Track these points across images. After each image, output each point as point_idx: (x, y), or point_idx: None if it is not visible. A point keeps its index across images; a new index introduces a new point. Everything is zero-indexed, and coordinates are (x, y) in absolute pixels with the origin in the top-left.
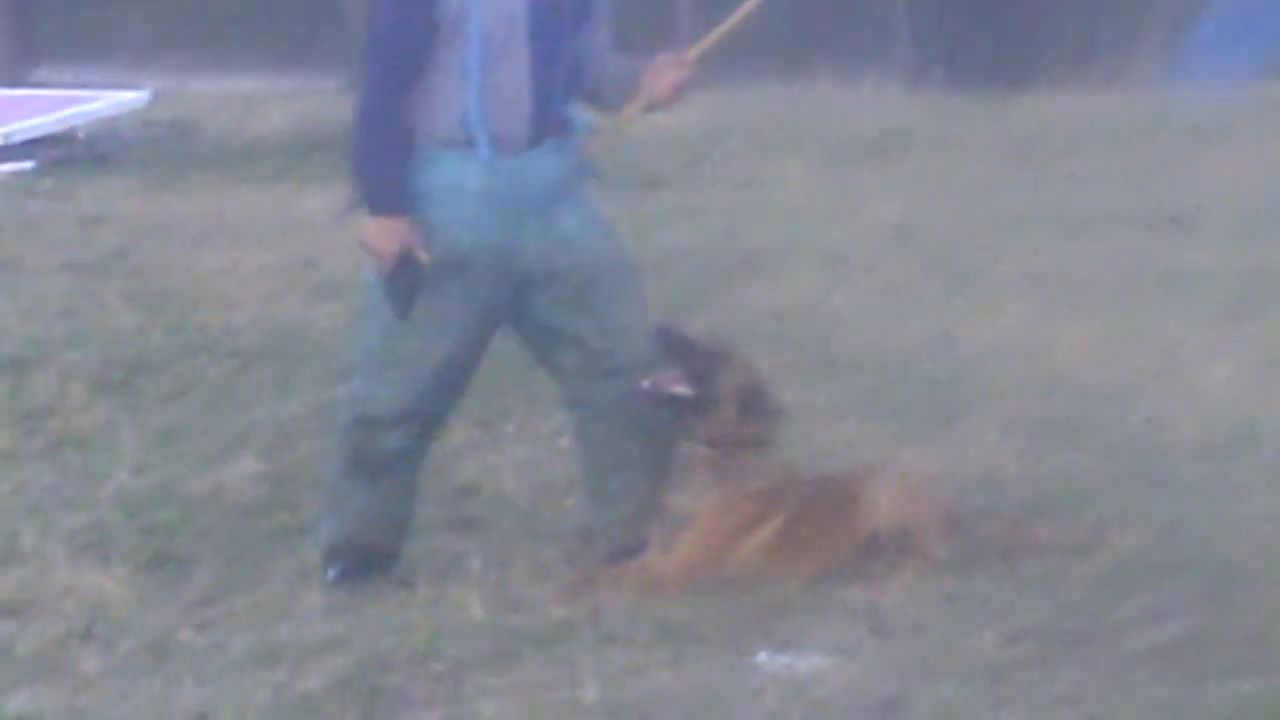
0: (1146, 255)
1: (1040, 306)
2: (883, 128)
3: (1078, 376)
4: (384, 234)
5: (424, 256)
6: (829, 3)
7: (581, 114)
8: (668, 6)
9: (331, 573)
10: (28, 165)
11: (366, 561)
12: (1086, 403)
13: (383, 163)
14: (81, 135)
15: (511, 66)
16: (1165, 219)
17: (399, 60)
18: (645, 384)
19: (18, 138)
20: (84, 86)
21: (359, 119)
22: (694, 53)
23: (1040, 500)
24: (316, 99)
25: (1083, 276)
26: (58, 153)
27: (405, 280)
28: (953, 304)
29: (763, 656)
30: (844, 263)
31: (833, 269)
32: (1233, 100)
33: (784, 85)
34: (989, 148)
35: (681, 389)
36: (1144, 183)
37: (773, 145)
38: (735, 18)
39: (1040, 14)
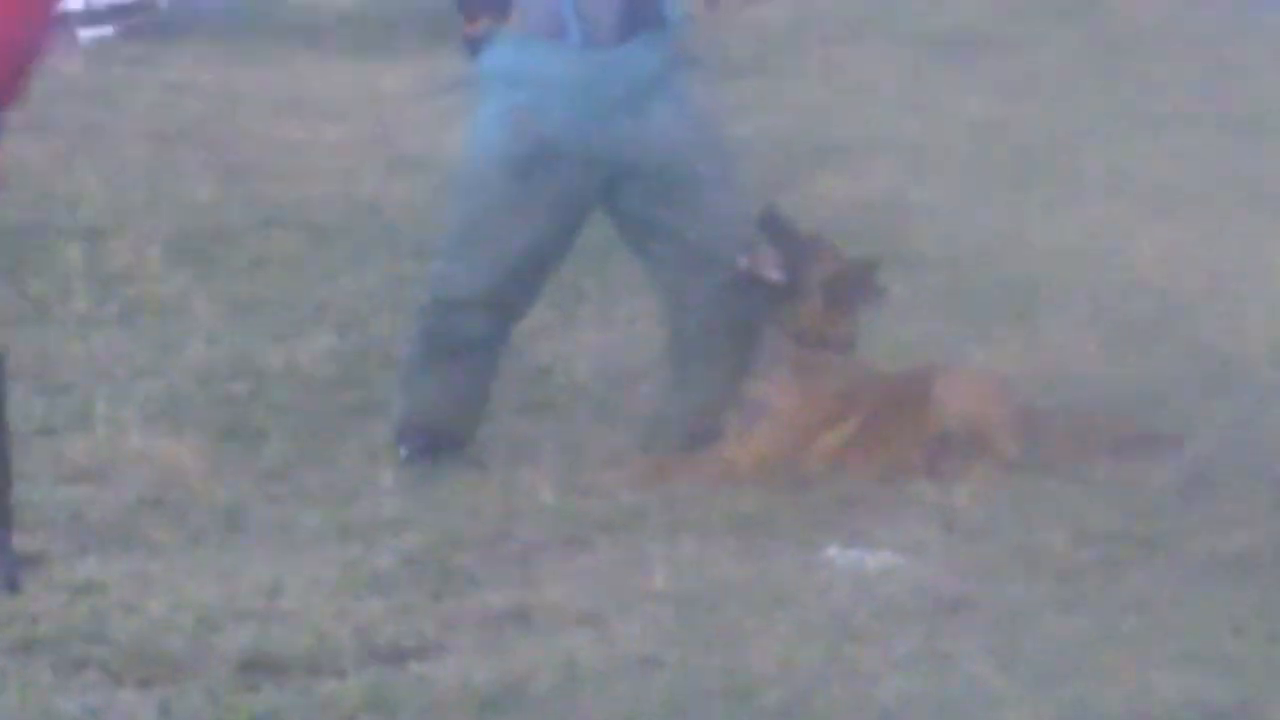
0: (1227, 158)
1: (1118, 208)
2: (965, 24)
3: (1155, 279)
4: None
5: None
6: None
7: (677, 6)
8: None
9: (404, 451)
10: (108, 31)
11: (438, 442)
12: (1163, 305)
13: None
14: (163, 3)
15: None
16: (1246, 121)
17: None
18: (742, 261)
19: (99, 3)
20: None
21: None
22: None
23: (1113, 402)
24: None
25: (1162, 178)
26: (138, 20)
27: None
28: (1031, 202)
29: (833, 551)
30: (923, 157)
31: (912, 163)
32: None
33: None
34: (1070, 48)
35: (774, 273)
36: (1225, 85)
37: (855, 37)
38: None
39: None
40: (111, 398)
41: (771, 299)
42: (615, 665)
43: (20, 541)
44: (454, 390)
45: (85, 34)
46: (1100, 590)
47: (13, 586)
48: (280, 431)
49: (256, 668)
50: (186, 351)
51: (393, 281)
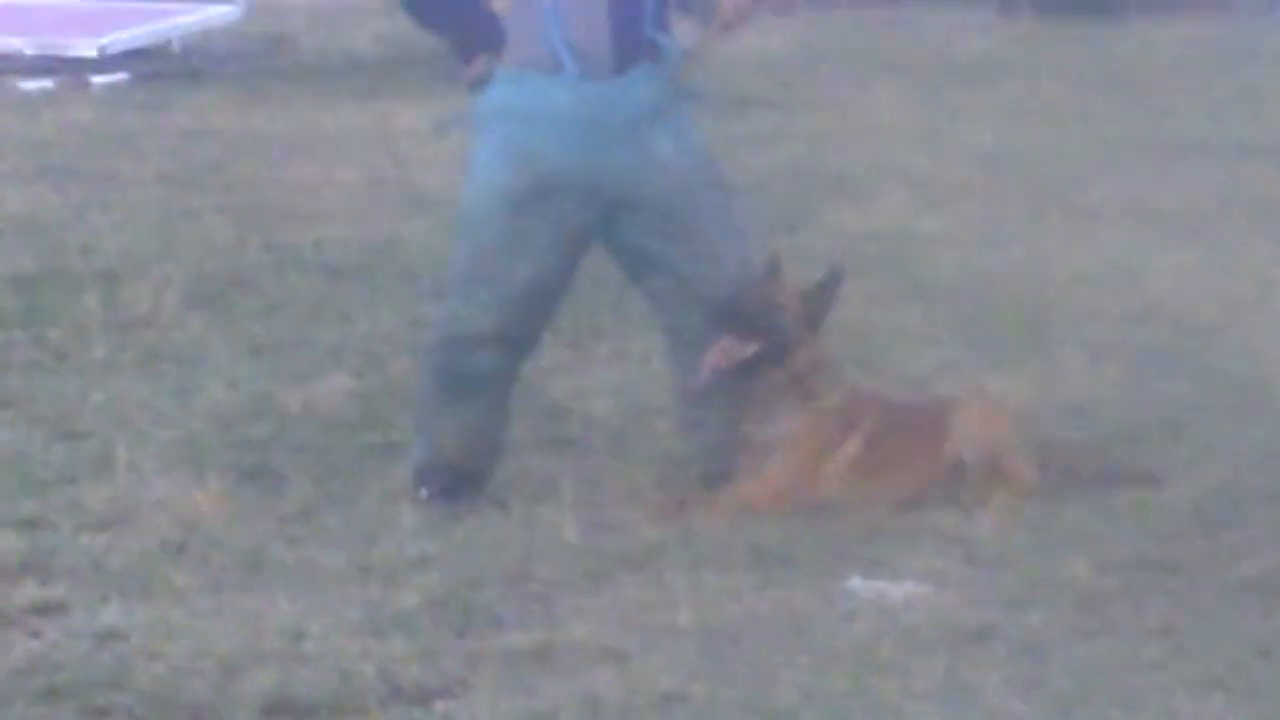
0: (1238, 184)
1: (1131, 235)
2: (974, 54)
3: (1169, 305)
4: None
5: None
6: None
7: (675, 39)
8: None
9: (423, 492)
10: (122, 77)
11: (458, 481)
12: (1178, 332)
13: (445, 18)
14: (176, 48)
15: None
16: (1259, 147)
17: None
18: (711, 365)
19: (113, 50)
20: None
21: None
22: None
23: (1131, 429)
24: None
25: (1174, 205)
26: (152, 65)
27: None
28: (1043, 231)
29: (855, 581)
30: (935, 187)
31: (924, 193)
32: None
33: (876, 11)
34: (1079, 76)
35: (745, 349)
36: (1235, 112)
37: (865, 70)
38: None
39: None
40: (131, 444)
41: (761, 363)
42: (639, 701)
43: (42, 590)
44: (469, 428)
45: (99, 80)
46: (1122, 617)
47: None
48: (300, 474)
49: (281, 711)
50: (205, 396)
51: (410, 321)
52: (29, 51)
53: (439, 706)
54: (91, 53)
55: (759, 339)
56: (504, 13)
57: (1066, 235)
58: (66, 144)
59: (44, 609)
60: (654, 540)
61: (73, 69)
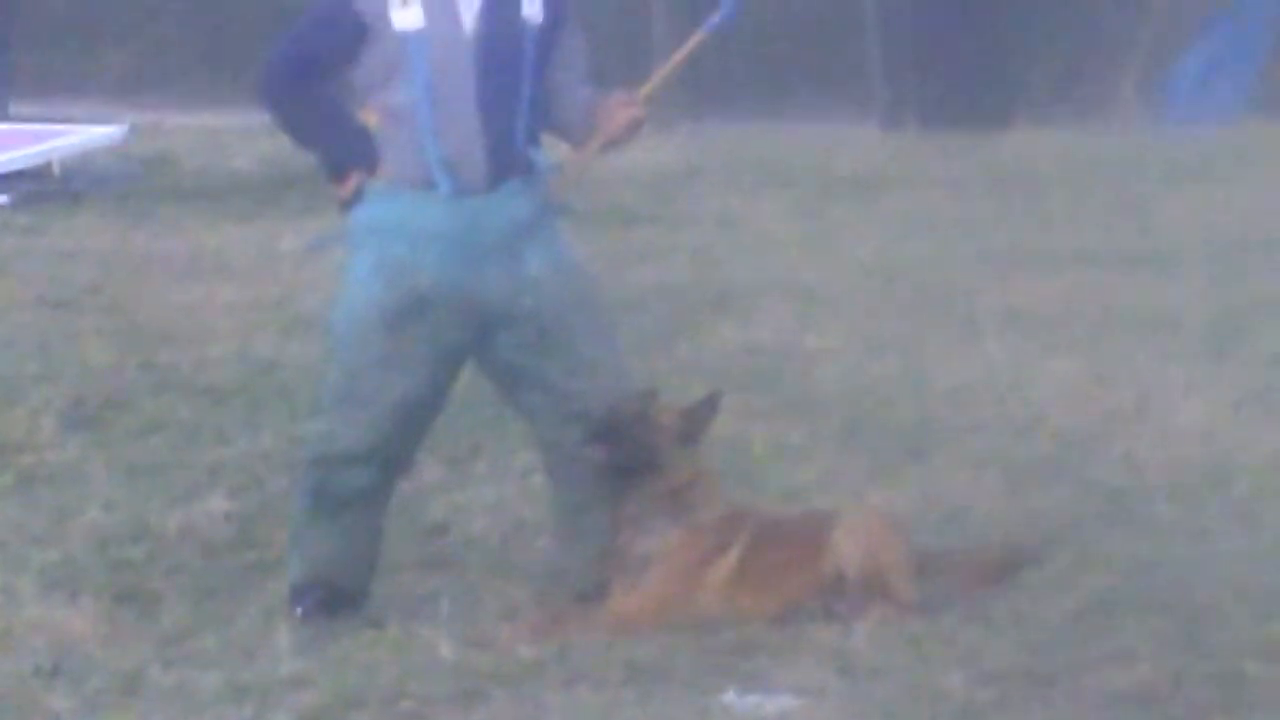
0: (1122, 294)
1: (1015, 345)
2: (858, 167)
3: (1052, 415)
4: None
5: None
6: (803, 43)
7: (547, 154)
8: (642, 38)
9: (299, 610)
10: (2, 200)
11: (334, 600)
12: (1060, 442)
13: (317, 134)
14: (57, 170)
15: (461, 107)
16: (1142, 257)
17: (299, 55)
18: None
19: None
20: (60, 121)
21: (268, 106)
22: (644, 91)
23: (1011, 540)
24: None
25: (1058, 315)
26: (33, 187)
27: None
28: (927, 342)
29: (731, 696)
30: (818, 301)
31: (807, 307)
32: (1209, 139)
33: (759, 125)
34: (964, 187)
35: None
36: (1120, 221)
37: (748, 184)
38: (681, 55)
39: (1015, 54)
40: (6, 566)
41: (621, 471)
42: None
43: None
44: (344, 545)
45: None
46: None
47: None
48: (177, 594)
49: None
50: (82, 518)
51: (288, 441)
52: None
53: None
54: None
55: (630, 453)
56: (375, 128)
57: (948, 346)
58: None
59: None
60: (530, 658)
61: None
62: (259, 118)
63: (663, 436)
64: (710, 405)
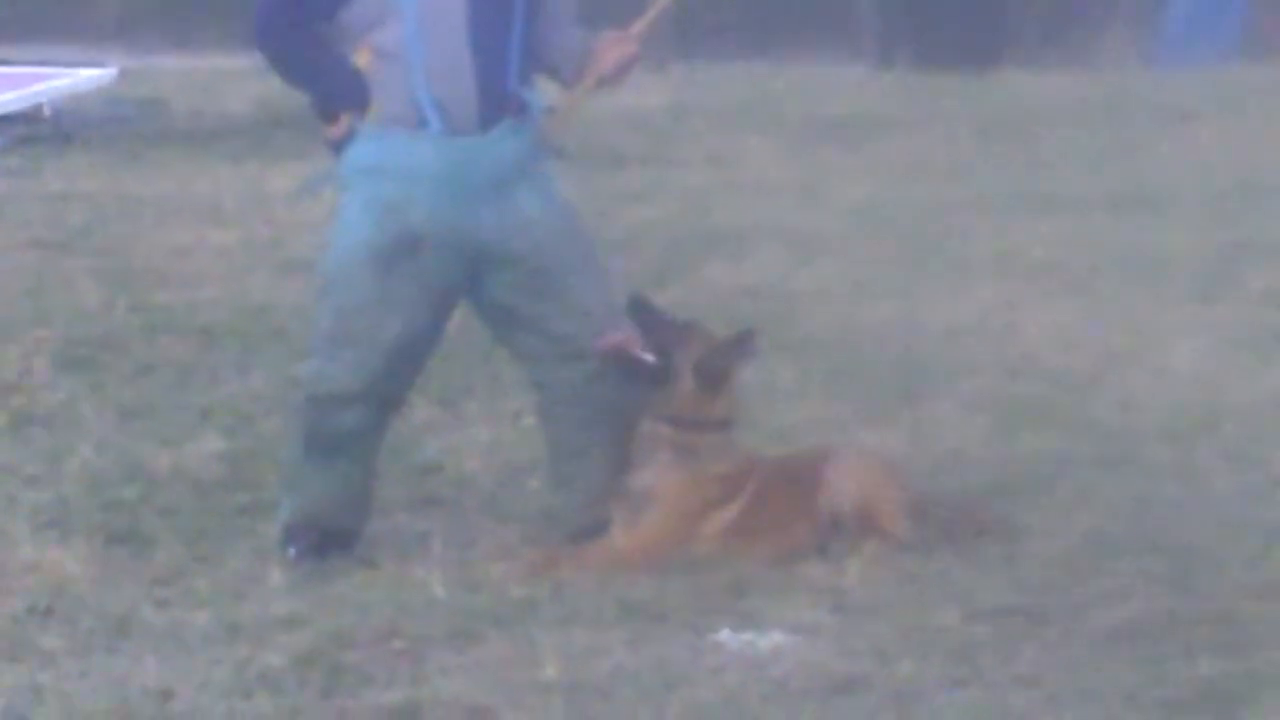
0: (1114, 236)
1: (1007, 287)
2: (849, 108)
3: (1044, 358)
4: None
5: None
6: None
7: (540, 95)
8: None
9: (292, 551)
10: None
11: (326, 540)
12: (1052, 384)
13: (309, 76)
14: (48, 112)
15: (452, 47)
16: (1133, 200)
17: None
18: (609, 340)
19: None
20: (51, 63)
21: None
22: (636, 29)
23: (1004, 481)
24: None
25: (1050, 257)
26: (24, 130)
27: None
28: (919, 284)
29: (724, 635)
30: (809, 242)
31: (798, 248)
32: (1201, 81)
33: (750, 65)
34: (956, 128)
35: (643, 355)
36: (1112, 163)
37: (739, 125)
38: None
39: None
40: None
41: (643, 383)
42: None
43: None
44: (337, 486)
45: None
46: (992, 666)
47: None
48: (169, 535)
49: None
50: (74, 459)
51: (281, 383)
52: None
53: None
54: None
55: (654, 353)
56: (367, 69)
57: (941, 288)
58: None
59: None
60: (523, 597)
61: None
62: (250, 60)
63: (685, 351)
64: (740, 345)
